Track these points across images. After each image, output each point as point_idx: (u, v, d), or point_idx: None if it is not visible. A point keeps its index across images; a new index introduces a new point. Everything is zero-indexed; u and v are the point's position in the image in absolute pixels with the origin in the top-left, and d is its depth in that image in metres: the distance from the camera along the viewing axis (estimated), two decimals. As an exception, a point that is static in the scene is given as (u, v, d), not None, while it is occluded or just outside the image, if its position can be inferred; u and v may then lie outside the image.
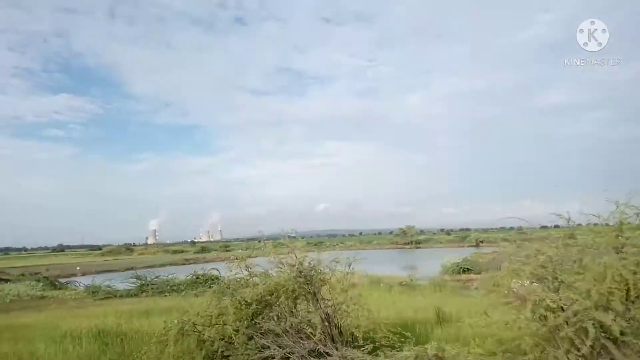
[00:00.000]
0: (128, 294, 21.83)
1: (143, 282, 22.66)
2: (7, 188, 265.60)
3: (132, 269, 46.65)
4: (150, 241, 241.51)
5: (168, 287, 22.01)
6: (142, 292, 22.08)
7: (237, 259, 7.31)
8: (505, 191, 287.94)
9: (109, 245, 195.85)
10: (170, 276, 23.34)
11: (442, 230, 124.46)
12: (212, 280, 21.45)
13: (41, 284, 25.13)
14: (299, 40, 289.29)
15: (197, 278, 21.54)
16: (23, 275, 36.67)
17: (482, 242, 65.52)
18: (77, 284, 25.87)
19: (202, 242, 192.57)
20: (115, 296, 21.71)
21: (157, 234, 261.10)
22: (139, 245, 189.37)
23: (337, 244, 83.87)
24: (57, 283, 25.28)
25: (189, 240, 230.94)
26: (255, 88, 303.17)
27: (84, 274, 37.42)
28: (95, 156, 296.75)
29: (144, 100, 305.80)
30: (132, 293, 21.90)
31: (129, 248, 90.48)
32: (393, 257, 49.85)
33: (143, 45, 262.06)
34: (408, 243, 67.85)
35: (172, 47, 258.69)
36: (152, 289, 22.09)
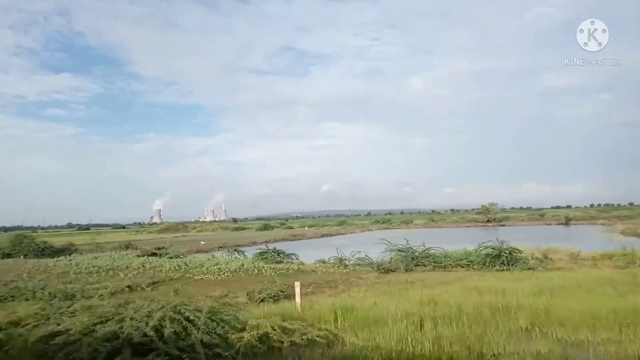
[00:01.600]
0: (406, 268, 18.80)
1: (413, 255, 19.63)
2: (11, 168, 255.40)
3: (254, 243, 43.50)
4: (155, 220, 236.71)
5: (451, 261, 19.09)
6: (415, 265, 19.16)
7: None
8: (508, 173, 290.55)
9: (116, 224, 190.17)
10: (437, 249, 20.36)
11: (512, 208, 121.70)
12: (512, 253, 18.61)
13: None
14: (302, 19, 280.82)
15: (493, 250, 18.59)
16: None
17: (570, 220, 64.15)
18: (295, 257, 22.71)
19: (206, 221, 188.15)
20: (393, 270, 18.67)
21: (162, 213, 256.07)
22: (146, 224, 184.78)
23: (408, 222, 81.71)
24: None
25: (197, 220, 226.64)
26: (258, 68, 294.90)
27: (220, 248, 34.25)
28: (97, 136, 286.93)
29: (146, 80, 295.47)
30: (409, 267, 18.88)
31: (184, 225, 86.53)
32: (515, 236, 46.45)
33: (146, 24, 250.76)
34: (490, 221, 65.82)
35: (176, 26, 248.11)
36: (432, 262, 19.16)
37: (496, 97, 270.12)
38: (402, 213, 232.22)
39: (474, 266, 18.70)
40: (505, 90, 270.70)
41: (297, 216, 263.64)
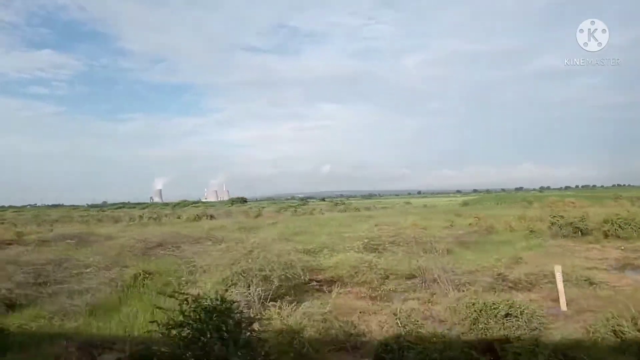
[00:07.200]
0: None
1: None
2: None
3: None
4: (157, 200, 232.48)
5: None
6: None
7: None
8: (503, 154, 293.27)
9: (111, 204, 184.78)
10: None
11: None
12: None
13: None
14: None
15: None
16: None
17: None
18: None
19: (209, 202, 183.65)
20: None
21: (162, 193, 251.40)
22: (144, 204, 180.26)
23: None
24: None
25: (200, 200, 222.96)
26: (249, 45, 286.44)
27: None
28: (80, 115, 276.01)
29: (132, 57, 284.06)
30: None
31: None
32: None
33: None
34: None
35: (165, 2, 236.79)
36: None
37: (488, 78, 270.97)
38: (409, 194, 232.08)
39: None
40: (498, 72, 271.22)
41: (301, 198, 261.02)
